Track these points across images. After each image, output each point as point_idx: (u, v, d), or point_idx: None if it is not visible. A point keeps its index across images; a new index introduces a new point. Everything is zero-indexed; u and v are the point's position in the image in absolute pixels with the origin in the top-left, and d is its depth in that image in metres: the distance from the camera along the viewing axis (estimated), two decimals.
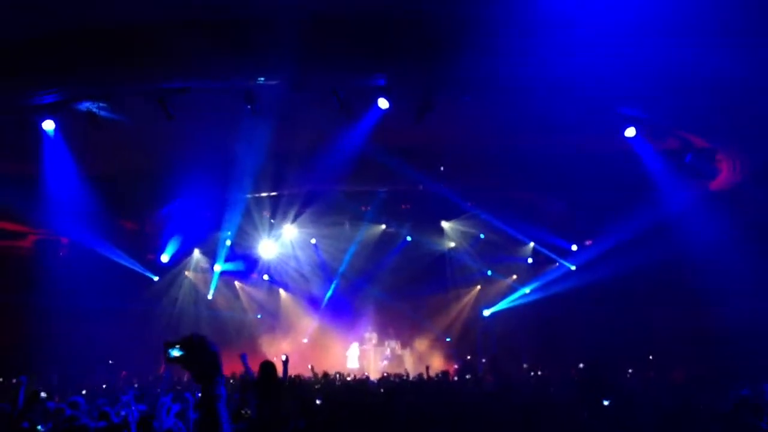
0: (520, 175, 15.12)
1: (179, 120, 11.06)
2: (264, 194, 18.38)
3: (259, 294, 23.14)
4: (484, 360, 19.75)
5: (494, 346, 20.68)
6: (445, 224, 21.73)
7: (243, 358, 9.17)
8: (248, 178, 15.26)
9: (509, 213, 18.76)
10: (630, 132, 12.20)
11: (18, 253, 17.37)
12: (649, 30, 8.75)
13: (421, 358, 21.16)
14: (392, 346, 22.65)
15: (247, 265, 22.21)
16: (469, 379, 15.50)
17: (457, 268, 22.89)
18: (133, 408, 9.49)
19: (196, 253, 21.48)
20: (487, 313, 22.78)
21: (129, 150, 13.22)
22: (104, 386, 15.23)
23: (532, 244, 21.40)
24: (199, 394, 2.44)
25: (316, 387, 12.56)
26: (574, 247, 20.15)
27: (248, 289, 23.07)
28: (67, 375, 15.42)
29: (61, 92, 10.67)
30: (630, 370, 16.80)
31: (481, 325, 22.67)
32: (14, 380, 7.30)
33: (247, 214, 19.03)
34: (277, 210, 19.90)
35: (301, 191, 18.32)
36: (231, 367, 13.99)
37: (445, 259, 22.85)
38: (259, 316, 23.03)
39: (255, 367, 8.58)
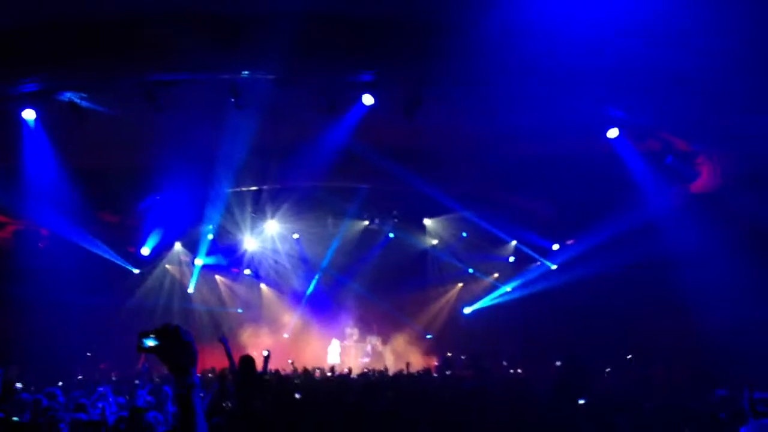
0: (503, 174, 15.19)
1: (163, 113, 10.99)
2: (247, 189, 18.32)
3: (241, 288, 23.11)
4: (463, 357, 19.83)
5: (475, 343, 20.78)
6: (427, 222, 21.80)
7: (224, 341, 9.08)
8: (231, 172, 15.19)
9: (492, 212, 18.86)
10: (612, 133, 12.32)
11: None
12: (631, 31, 8.82)
13: (402, 355, 21.22)
14: (373, 342, 22.70)
15: (229, 260, 22.16)
16: (449, 375, 15.57)
17: (439, 265, 23.00)
18: (111, 400, 9.46)
19: (177, 247, 21.34)
20: (468, 310, 22.91)
21: (111, 142, 13.08)
22: (79, 377, 15.13)
23: (514, 242, 21.53)
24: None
25: (296, 382, 12.56)
26: (556, 247, 20.29)
27: (229, 283, 23.01)
28: (44, 366, 15.28)
29: (43, 82, 10.56)
30: (608, 369, 16.95)
31: (462, 323, 22.78)
32: None
33: (230, 209, 18.94)
34: (260, 205, 19.86)
35: (284, 186, 18.28)
36: (211, 360, 13.98)
37: (427, 256, 22.95)
38: (239, 311, 22.97)
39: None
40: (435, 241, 22.62)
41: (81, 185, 13.86)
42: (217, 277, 22.72)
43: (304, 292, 22.95)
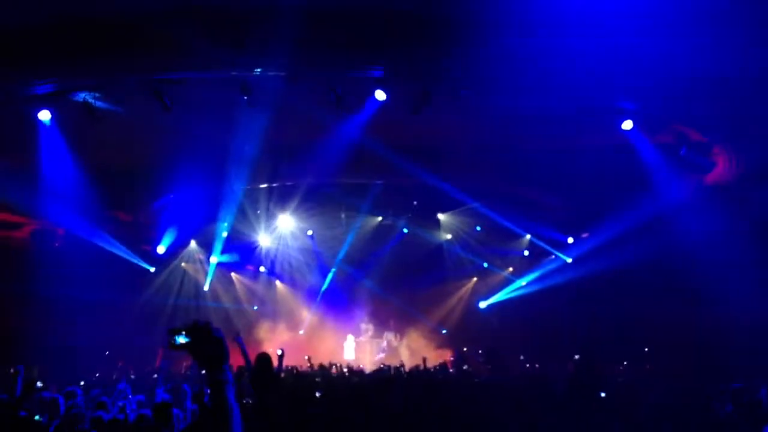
0: (516, 168, 15.11)
1: (175, 112, 11.05)
2: (260, 186, 18.37)
3: (256, 285, 23.19)
4: (480, 351, 19.78)
5: (490, 338, 20.73)
6: (441, 216, 21.76)
7: (239, 341, 9.12)
8: (244, 170, 15.25)
9: (505, 205, 18.79)
10: (627, 125, 12.22)
11: (14, 244, 17.33)
12: (644, 23, 8.74)
13: (417, 350, 21.20)
14: (389, 337, 22.70)
15: (244, 257, 22.24)
16: (465, 370, 15.54)
17: (453, 260, 22.92)
18: (131, 398, 9.54)
19: (193, 245, 21.46)
20: (483, 305, 22.84)
21: (125, 142, 13.17)
22: (96, 375, 15.26)
23: (528, 236, 21.44)
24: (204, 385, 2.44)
25: (317, 380, 12.56)
26: (571, 240, 20.19)
27: (245, 280, 23.10)
28: (62, 365, 15.42)
29: (58, 82, 10.65)
30: (624, 362, 16.87)
31: (477, 318, 22.73)
32: (11, 370, 7.30)
33: (243, 206, 19.01)
34: (274, 202, 19.90)
35: (298, 183, 18.31)
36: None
37: (441, 251, 22.88)
38: (255, 308, 23.06)
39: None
40: (449, 236, 22.56)
41: (96, 185, 13.97)
42: (233, 274, 22.81)
43: (319, 289, 22.99)
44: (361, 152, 13.54)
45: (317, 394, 9.23)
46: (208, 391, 2.42)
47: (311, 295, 23.03)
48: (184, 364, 17.20)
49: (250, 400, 7.77)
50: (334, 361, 16.15)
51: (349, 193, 19.04)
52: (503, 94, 11.33)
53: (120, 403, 8.67)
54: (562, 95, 11.09)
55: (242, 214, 19.42)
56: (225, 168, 14.86)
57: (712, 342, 14.46)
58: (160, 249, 19.61)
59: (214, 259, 21.04)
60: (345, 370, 15.64)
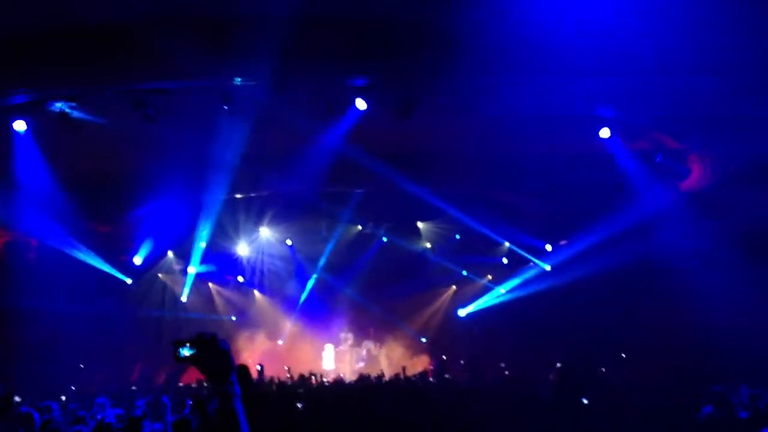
0: (496, 175, 15.20)
1: (154, 122, 10.93)
2: (239, 196, 18.25)
3: (234, 296, 22.98)
4: (462, 362, 19.79)
5: (470, 346, 20.75)
6: (421, 225, 21.79)
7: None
8: (223, 179, 15.14)
9: (485, 213, 18.86)
10: (604, 133, 12.37)
11: None
12: (621, 31, 8.87)
13: (397, 359, 21.16)
14: (368, 346, 22.62)
15: (222, 267, 22.04)
16: (446, 378, 15.54)
17: (433, 268, 22.95)
18: (108, 411, 9.37)
19: (170, 255, 21.23)
20: (462, 313, 22.88)
21: (101, 151, 13.03)
22: (73, 388, 15.01)
23: (507, 244, 21.54)
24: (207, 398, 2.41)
25: (299, 391, 12.46)
26: (549, 247, 20.32)
27: (223, 291, 22.88)
28: (38, 379, 15.16)
29: (33, 92, 10.50)
30: (603, 369, 16.95)
31: (457, 325, 22.75)
32: None
33: (222, 216, 18.84)
34: (253, 211, 19.79)
35: (277, 192, 18.23)
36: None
37: (421, 259, 22.90)
38: (233, 318, 22.85)
39: None
40: (428, 244, 22.61)
41: (72, 195, 13.79)
42: (211, 284, 22.59)
43: (298, 298, 22.87)
44: (342, 161, 13.52)
45: (299, 406, 9.17)
46: (211, 403, 2.38)
47: (290, 304, 22.89)
48: (163, 376, 17.00)
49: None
50: (314, 372, 16.07)
51: (330, 202, 18.99)
52: (482, 102, 11.41)
53: (98, 417, 8.51)
54: (540, 103, 11.18)
55: (221, 224, 19.25)
56: (204, 177, 14.74)
57: (691, 345, 14.61)
58: (137, 260, 19.37)
59: (192, 270, 20.82)
60: (325, 380, 15.57)
